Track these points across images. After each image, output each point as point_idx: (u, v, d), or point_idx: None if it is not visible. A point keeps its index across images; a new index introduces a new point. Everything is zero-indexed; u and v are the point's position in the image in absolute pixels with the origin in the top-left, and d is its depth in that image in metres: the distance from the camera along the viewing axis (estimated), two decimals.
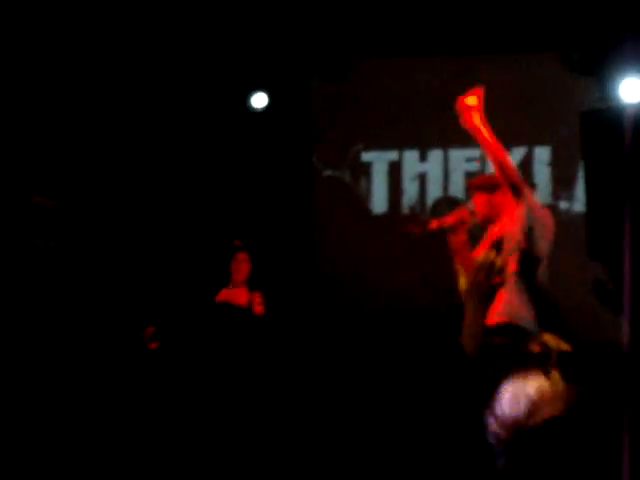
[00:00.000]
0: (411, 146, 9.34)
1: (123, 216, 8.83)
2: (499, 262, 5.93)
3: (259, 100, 9.22)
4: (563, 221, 8.65)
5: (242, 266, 7.42)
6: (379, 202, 9.42)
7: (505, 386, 2.38)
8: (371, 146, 9.41)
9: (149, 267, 8.78)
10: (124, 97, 8.79)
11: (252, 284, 7.37)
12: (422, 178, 9.33)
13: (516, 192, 5.78)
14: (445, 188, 9.29)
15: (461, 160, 9.23)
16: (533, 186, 9.00)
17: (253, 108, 9.23)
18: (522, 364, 2.45)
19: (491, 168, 9.05)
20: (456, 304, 6.71)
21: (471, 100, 6.16)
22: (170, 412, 2.91)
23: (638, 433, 2.34)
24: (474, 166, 9.20)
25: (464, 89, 9.03)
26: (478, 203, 6.33)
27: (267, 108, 9.22)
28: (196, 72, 8.96)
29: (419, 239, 9.02)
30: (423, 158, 9.34)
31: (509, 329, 5.32)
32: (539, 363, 2.47)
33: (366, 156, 9.45)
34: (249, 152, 9.18)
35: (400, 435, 2.51)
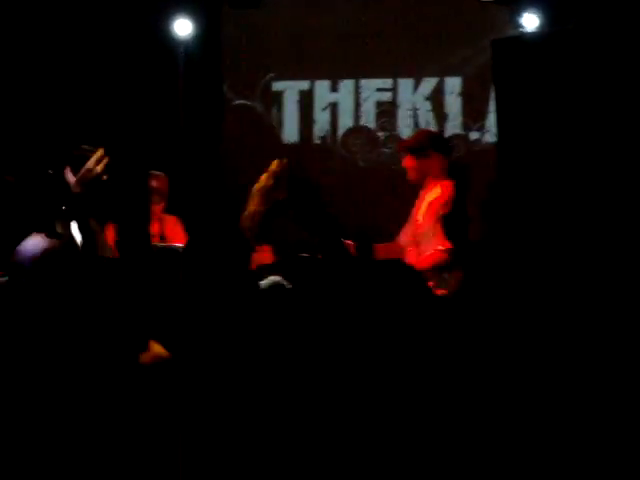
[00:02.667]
0: (322, 76, 9.28)
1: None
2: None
3: (182, 27, 8.97)
4: (474, 151, 8.73)
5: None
6: (290, 132, 9.36)
7: None
8: (282, 75, 9.32)
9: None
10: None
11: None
12: (333, 107, 9.29)
13: None
14: (356, 118, 9.27)
15: (372, 90, 9.20)
16: (443, 117, 9.04)
17: (177, 35, 8.99)
18: None
19: (402, 98, 9.18)
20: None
21: None
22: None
23: None
24: (385, 96, 9.20)
25: (374, 18, 9.08)
26: (408, 166, 6.51)
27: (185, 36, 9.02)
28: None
29: (327, 171, 9.11)
30: (334, 88, 9.30)
31: None
32: None
33: (277, 85, 9.37)
34: (162, 80, 8.99)
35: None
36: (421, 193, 6.52)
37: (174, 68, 9.03)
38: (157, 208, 7.35)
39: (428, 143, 6.44)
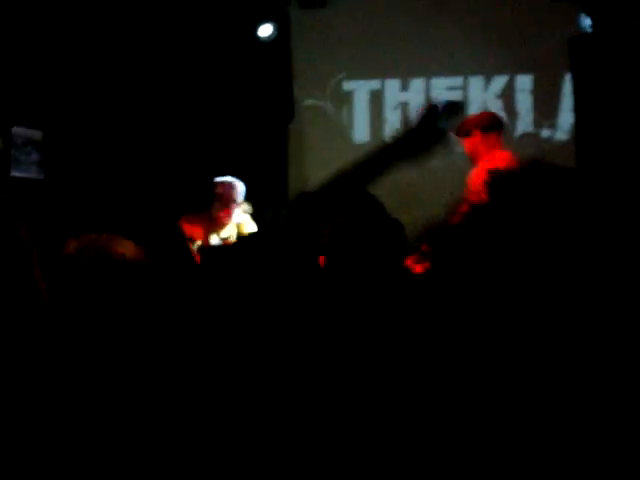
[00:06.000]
0: (393, 75, 9.31)
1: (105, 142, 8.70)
2: None
3: (264, 30, 9.17)
4: (545, 149, 8.68)
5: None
6: (361, 131, 9.40)
7: None
8: (353, 75, 9.37)
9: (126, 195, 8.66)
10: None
11: None
12: (404, 107, 9.31)
13: None
14: None
15: (442, 89, 9.21)
16: (515, 115, 9.02)
17: (260, 38, 9.19)
18: None
19: (473, 96, 9.17)
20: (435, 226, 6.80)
21: None
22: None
23: None
24: (456, 94, 9.19)
25: (444, 17, 9.08)
26: (463, 148, 6.73)
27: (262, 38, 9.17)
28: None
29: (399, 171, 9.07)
30: (405, 87, 9.32)
31: None
32: None
33: (347, 85, 9.41)
34: (233, 82, 9.08)
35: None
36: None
37: (244, 70, 9.13)
38: (225, 213, 7.40)
39: (470, 123, 6.63)
